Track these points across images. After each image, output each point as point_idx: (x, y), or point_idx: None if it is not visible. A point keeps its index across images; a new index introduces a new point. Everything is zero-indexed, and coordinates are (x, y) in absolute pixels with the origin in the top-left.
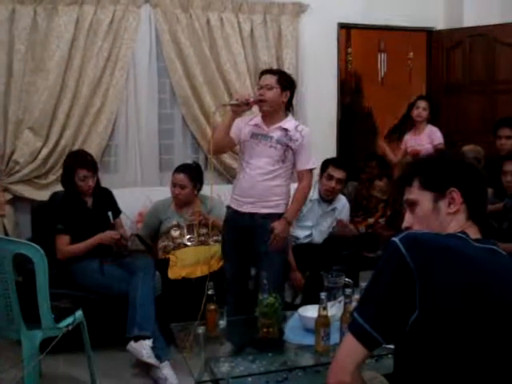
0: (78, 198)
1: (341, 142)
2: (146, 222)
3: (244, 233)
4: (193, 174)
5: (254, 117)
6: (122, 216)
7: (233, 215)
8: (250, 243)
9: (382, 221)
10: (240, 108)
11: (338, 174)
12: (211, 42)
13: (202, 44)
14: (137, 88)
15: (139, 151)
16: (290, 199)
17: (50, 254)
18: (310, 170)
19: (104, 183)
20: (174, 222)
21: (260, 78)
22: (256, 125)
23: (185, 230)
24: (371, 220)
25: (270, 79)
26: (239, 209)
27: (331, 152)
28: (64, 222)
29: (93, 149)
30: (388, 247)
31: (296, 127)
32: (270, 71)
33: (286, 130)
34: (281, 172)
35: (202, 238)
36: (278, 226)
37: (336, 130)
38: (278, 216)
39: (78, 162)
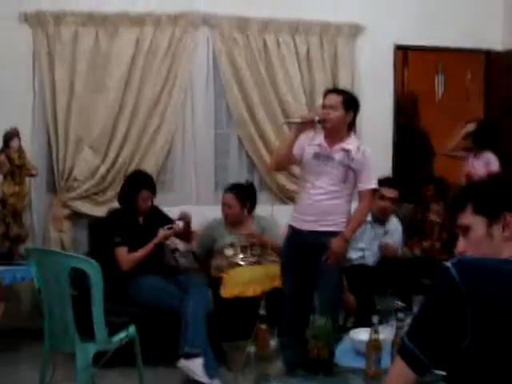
0: (133, 215)
1: (396, 164)
2: (200, 240)
3: (304, 251)
4: (242, 193)
5: (316, 136)
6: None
7: (294, 234)
8: (309, 262)
9: (437, 245)
10: (304, 126)
11: (391, 193)
12: (267, 63)
13: (259, 65)
14: (194, 108)
15: (195, 170)
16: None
17: (106, 269)
18: (371, 190)
19: (159, 201)
20: (228, 241)
21: (325, 97)
22: (319, 145)
23: (238, 250)
24: (426, 244)
25: (335, 99)
26: (300, 227)
27: (387, 173)
28: (121, 235)
29: (150, 167)
30: (440, 272)
31: (358, 148)
32: (335, 91)
33: (347, 150)
34: (342, 192)
35: (256, 258)
36: (335, 242)
37: (392, 152)
38: (338, 234)
39: (145, 182)
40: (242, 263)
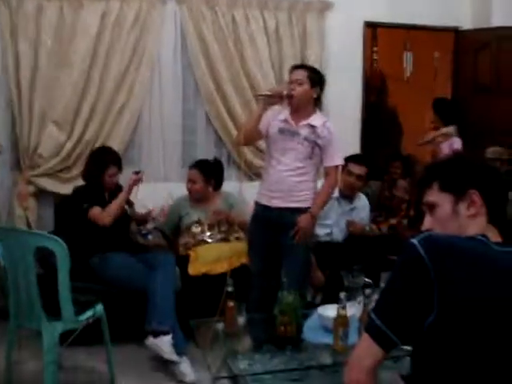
0: (99, 191)
1: (365, 141)
2: (167, 217)
3: (271, 227)
4: (207, 169)
5: (282, 111)
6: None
7: (260, 210)
8: (276, 238)
9: (404, 222)
10: (272, 100)
11: (358, 169)
12: (236, 38)
13: (227, 41)
14: (161, 84)
15: (162, 147)
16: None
17: (73, 247)
18: (337, 167)
19: (126, 178)
20: (195, 219)
21: (291, 72)
22: (284, 120)
23: (205, 227)
24: (393, 221)
25: (301, 74)
26: (267, 203)
27: (355, 150)
28: (89, 202)
29: (116, 144)
30: (406, 248)
31: (324, 124)
32: (301, 66)
33: (313, 126)
34: (308, 168)
35: (223, 235)
36: (302, 219)
37: (360, 129)
38: (306, 210)
39: (112, 158)
40: (209, 240)
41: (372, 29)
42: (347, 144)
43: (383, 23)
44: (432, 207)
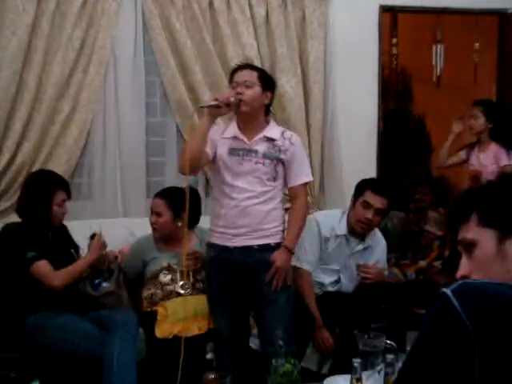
0: (41, 232)
1: (383, 161)
2: (126, 263)
3: (236, 273)
4: (177, 199)
5: (226, 127)
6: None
7: (219, 254)
8: (246, 285)
9: (437, 264)
10: (219, 110)
11: (378, 202)
12: (215, 30)
13: (203, 33)
14: (118, 89)
15: (120, 171)
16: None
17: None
18: (305, 186)
19: (74, 212)
20: (164, 264)
21: (234, 73)
22: (234, 137)
23: (177, 275)
24: (423, 263)
25: (250, 75)
26: (228, 243)
27: (369, 172)
28: (34, 249)
29: (59, 167)
30: (438, 301)
31: (282, 134)
32: (248, 66)
33: (271, 139)
34: (275, 192)
35: (200, 286)
36: (278, 257)
37: (376, 145)
38: (277, 246)
39: (57, 183)
40: (182, 292)
41: (390, 14)
42: (360, 164)
43: (405, 7)
44: (470, 247)
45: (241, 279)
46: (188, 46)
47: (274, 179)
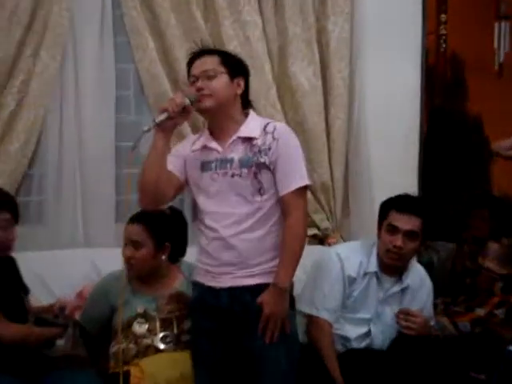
0: None
1: (425, 174)
2: (87, 309)
3: (223, 320)
4: (158, 225)
5: (197, 136)
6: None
7: (204, 295)
8: (236, 339)
9: (500, 313)
10: (174, 121)
11: (406, 222)
12: (207, 3)
13: (192, 7)
14: (79, 80)
15: (81, 187)
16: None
17: None
18: (302, 191)
19: (21, 241)
20: (139, 310)
21: (190, 65)
22: (203, 147)
23: (157, 324)
24: (481, 311)
25: (210, 62)
26: (212, 284)
27: (408, 190)
28: None
29: (0, 182)
30: (504, 364)
31: (264, 128)
32: (205, 51)
33: (249, 139)
34: (264, 211)
35: (187, 338)
36: (266, 300)
37: (418, 154)
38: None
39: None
40: (162, 347)
41: None
42: (396, 180)
43: None
44: None
45: (229, 330)
46: (171, 24)
47: (260, 192)
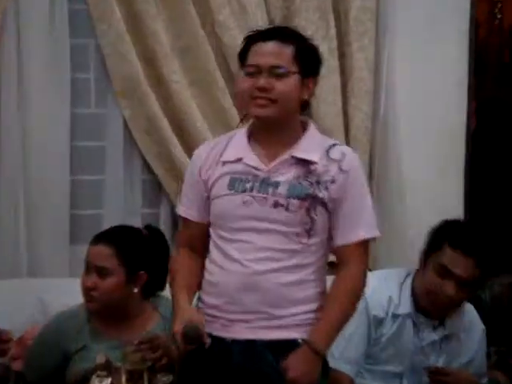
0: None
1: (473, 186)
2: (33, 357)
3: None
4: (130, 248)
5: (227, 139)
6: None
7: (209, 347)
8: None
9: None
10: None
11: (464, 268)
12: None
13: None
14: (22, 59)
15: (25, 200)
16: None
17: None
18: (365, 244)
19: None
20: (99, 360)
21: (248, 50)
22: (239, 160)
23: (123, 378)
24: None
25: (283, 55)
26: (222, 334)
27: (450, 206)
28: None
29: None
30: None
31: (327, 151)
32: (279, 34)
33: (306, 162)
34: (307, 254)
35: None
36: (295, 362)
37: (464, 158)
38: (298, 345)
39: None
40: None
41: None
42: (434, 192)
43: None
44: None
45: None
46: (149, 11)
47: (309, 234)
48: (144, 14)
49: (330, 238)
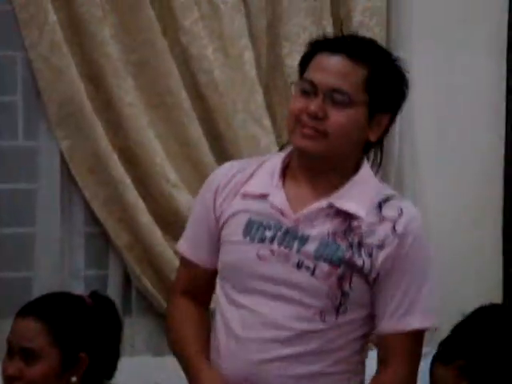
0: None
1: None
2: None
3: None
4: (68, 324)
5: (255, 165)
6: None
7: None
8: None
9: None
10: None
11: None
12: None
13: None
14: None
15: None
16: None
17: None
18: (419, 336)
19: None
20: None
21: (310, 61)
22: (263, 196)
23: None
24: None
25: (351, 76)
26: None
27: (487, 267)
28: None
29: None
30: None
31: (380, 205)
32: (351, 44)
33: (349, 216)
34: (330, 337)
35: None
36: None
37: (502, 198)
38: None
39: None
40: None
41: None
42: (465, 231)
43: None
44: None
45: None
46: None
47: (339, 311)
48: (87, 17)
49: (367, 316)
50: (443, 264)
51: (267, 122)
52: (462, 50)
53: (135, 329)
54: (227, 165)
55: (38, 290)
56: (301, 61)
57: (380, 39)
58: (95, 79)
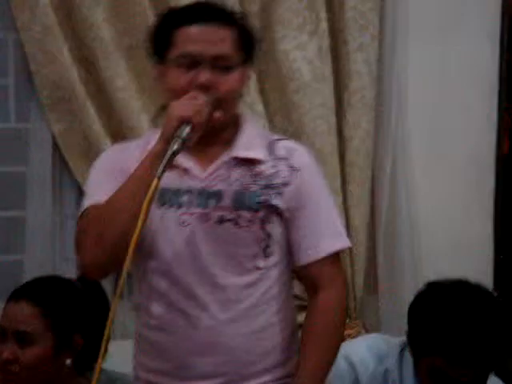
0: None
1: (506, 223)
2: None
3: None
4: (61, 307)
5: (145, 140)
6: None
7: None
8: None
9: None
10: (192, 136)
11: (459, 374)
12: None
13: None
14: None
15: None
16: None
17: None
18: (336, 257)
19: None
20: None
21: (176, 26)
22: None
23: None
24: None
25: (227, 42)
26: None
27: (476, 253)
28: None
29: None
30: None
31: (270, 147)
32: (218, 14)
33: (250, 161)
34: (268, 284)
35: None
36: None
37: (494, 189)
38: None
39: None
40: None
41: None
42: (454, 235)
43: None
44: None
45: None
46: None
47: (266, 253)
48: (79, 1)
49: (288, 256)
50: (434, 253)
51: (260, 107)
52: (455, 39)
53: (127, 312)
54: (118, 151)
55: (29, 274)
56: (153, 38)
57: (373, 24)
58: (87, 63)
